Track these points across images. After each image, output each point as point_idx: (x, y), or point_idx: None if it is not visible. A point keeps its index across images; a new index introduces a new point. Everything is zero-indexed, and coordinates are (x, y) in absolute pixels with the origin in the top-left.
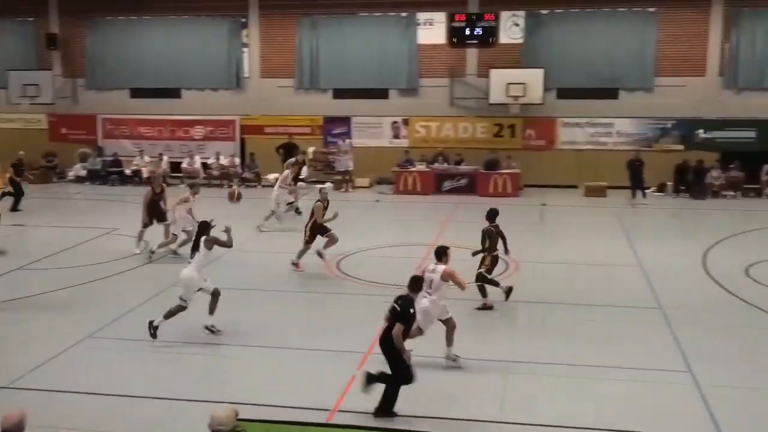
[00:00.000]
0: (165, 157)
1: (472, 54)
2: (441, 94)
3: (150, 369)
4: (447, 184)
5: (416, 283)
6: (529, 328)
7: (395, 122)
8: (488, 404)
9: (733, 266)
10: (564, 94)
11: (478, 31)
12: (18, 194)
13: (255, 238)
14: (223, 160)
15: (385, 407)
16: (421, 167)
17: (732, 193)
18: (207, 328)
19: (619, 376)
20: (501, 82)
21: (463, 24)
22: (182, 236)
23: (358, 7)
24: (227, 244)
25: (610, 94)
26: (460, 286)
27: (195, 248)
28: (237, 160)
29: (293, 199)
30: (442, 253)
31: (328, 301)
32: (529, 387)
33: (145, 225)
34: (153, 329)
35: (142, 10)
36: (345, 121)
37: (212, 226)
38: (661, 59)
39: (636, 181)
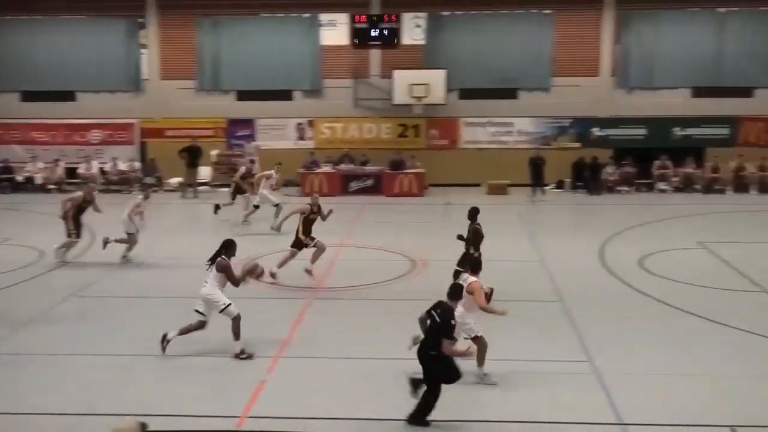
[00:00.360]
0: (61, 163)
1: (375, 55)
2: (345, 95)
3: (41, 382)
4: (353, 185)
5: (455, 291)
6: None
7: (300, 124)
8: (398, 407)
9: (628, 258)
10: (466, 94)
11: (381, 32)
12: None
13: (161, 243)
14: (122, 165)
15: (420, 415)
16: (327, 168)
17: (626, 188)
18: (237, 354)
19: (522, 368)
20: (404, 82)
21: (365, 25)
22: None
23: (259, 7)
24: (234, 280)
25: (510, 94)
26: (479, 304)
27: (212, 261)
28: (137, 165)
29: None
30: (478, 264)
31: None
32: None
33: (70, 235)
34: (240, 356)
35: (33, 9)
36: (249, 123)
37: (234, 247)
38: (558, 60)
39: (537, 179)
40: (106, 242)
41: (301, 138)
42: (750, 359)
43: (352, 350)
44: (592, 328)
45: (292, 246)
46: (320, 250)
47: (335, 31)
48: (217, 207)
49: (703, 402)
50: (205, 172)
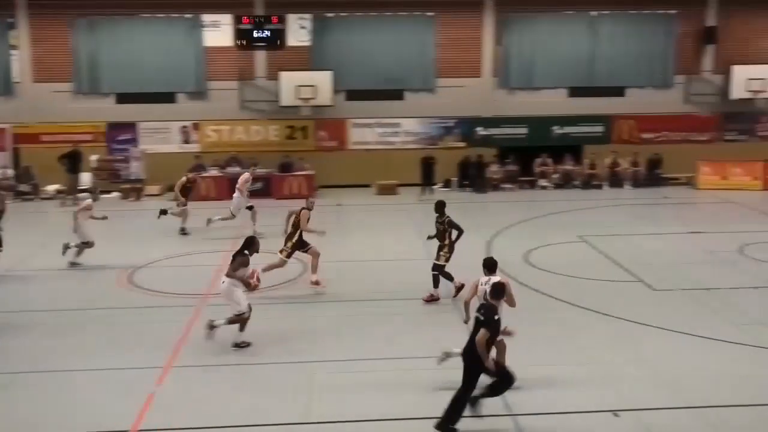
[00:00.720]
0: None
1: (261, 56)
2: (231, 98)
3: None
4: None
5: (498, 291)
6: (328, 327)
7: (184, 127)
8: (292, 410)
9: (514, 254)
10: (353, 95)
11: (266, 33)
12: None
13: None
14: None
15: (451, 417)
16: (214, 172)
17: (510, 185)
18: (237, 344)
19: (421, 365)
20: (291, 84)
21: (250, 26)
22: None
23: (138, 8)
24: (247, 283)
25: (396, 95)
26: (512, 302)
27: (233, 258)
28: (10, 172)
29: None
30: (494, 264)
31: (118, 317)
32: (335, 385)
33: None
34: (211, 327)
35: None
36: (130, 126)
37: (257, 244)
38: (441, 61)
39: (427, 178)
40: (66, 247)
41: (186, 141)
42: (628, 345)
43: (242, 357)
44: None
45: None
46: (316, 256)
47: (219, 32)
48: (163, 212)
49: (587, 389)
50: (86, 179)
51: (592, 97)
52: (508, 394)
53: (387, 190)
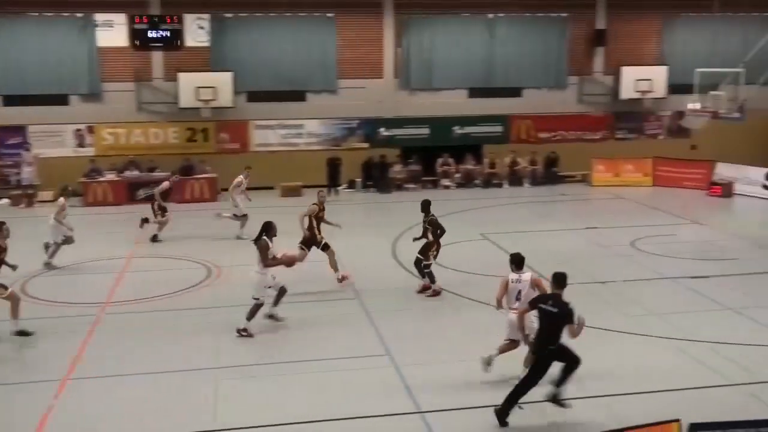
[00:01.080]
0: None
1: (158, 57)
2: (128, 99)
3: None
4: (141, 192)
5: (561, 280)
6: (232, 333)
7: (79, 130)
8: (200, 415)
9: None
10: (254, 97)
11: (163, 33)
12: None
13: None
14: None
15: (512, 403)
16: (111, 176)
17: (413, 185)
18: (270, 316)
19: (328, 367)
20: (190, 85)
21: (145, 26)
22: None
23: (26, 6)
24: (266, 262)
25: (298, 96)
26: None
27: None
28: None
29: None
30: (522, 261)
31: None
32: (242, 391)
33: None
34: (242, 332)
35: None
36: (20, 130)
37: (274, 228)
38: (343, 62)
39: (332, 179)
40: (47, 246)
41: (81, 145)
42: None
43: (145, 365)
44: (389, 322)
45: (303, 244)
46: (332, 251)
47: (113, 32)
48: (144, 221)
49: (494, 384)
50: None
51: (490, 98)
52: (418, 393)
53: (291, 192)
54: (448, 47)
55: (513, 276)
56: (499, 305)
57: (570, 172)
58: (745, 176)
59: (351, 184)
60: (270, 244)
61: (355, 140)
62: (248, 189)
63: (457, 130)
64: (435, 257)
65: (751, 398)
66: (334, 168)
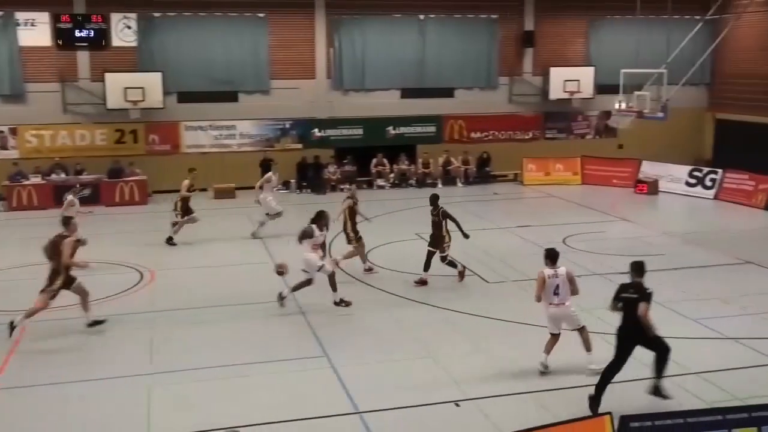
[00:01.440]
0: None
1: (83, 57)
2: (53, 100)
3: None
4: (68, 196)
5: (640, 268)
6: (171, 336)
7: (1, 132)
8: (133, 425)
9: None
10: (185, 97)
11: (88, 33)
12: None
13: None
14: None
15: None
16: (36, 180)
17: (348, 186)
18: (337, 303)
19: (265, 370)
20: (118, 86)
21: (69, 25)
22: None
23: None
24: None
25: (230, 97)
26: (576, 290)
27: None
28: None
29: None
30: (557, 255)
31: None
32: (174, 397)
33: None
34: (281, 298)
35: None
36: None
37: (326, 218)
38: (275, 63)
39: None
40: None
41: (4, 147)
42: (466, 337)
43: (75, 373)
44: (326, 323)
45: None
46: (363, 246)
47: (35, 31)
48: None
49: (429, 382)
50: None
51: (423, 98)
52: (356, 394)
53: (225, 194)
54: (380, 48)
55: (549, 271)
56: (539, 301)
57: (502, 171)
58: (669, 174)
59: (285, 185)
60: (315, 232)
61: (289, 141)
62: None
63: (391, 130)
64: (449, 246)
65: (679, 389)
66: (267, 169)
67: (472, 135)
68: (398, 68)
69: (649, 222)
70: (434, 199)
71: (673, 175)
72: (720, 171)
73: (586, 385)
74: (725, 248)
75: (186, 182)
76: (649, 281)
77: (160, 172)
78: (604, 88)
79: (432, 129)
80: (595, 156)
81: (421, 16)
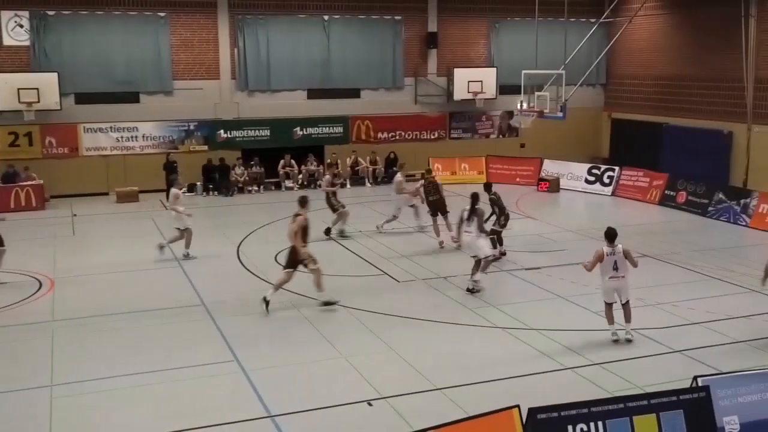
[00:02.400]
0: None
1: None
2: None
3: None
4: None
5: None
6: (73, 346)
7: None
8: None
9: (263, 255)
10: (83, 98)
11: None
12: None
13: None
14: None
15: None
16: None
17: (255, 188)
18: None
19: (174, 376)
20: (10, 87)
21: None
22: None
23: None
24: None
25: (132, 98)
26: (634, 263)
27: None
28: None
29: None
30: (615, 235)
31: None
32: (78, 407)
33: None
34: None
35: None
36: None
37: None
38: (177, 63)
39: (170, 185)
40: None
41: None
42: (379, 336)
43: None
44: (236, 327)
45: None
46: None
47: None
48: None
49: (342, 382)
50: None
51: (329, 99)
52: (267, 397)
53: (128, 197)
54: (285, 48)
55: (607, 249)
56: (589, 271)
57: (409, 171)
58: (569, 172)
59: (191, 188)
60: (483, 211)
61: (194, 143)
62: (80, 195)
63: (298, 131)
64: (503, 225)
65: (583, 380)
66: (170, 171)
67: (379, 135)
68: (304, 69)
69: (552, 218)
70: (489, 186)
71: (573, 173)
72: (617, 168)
73: (496, 380)
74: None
75: (327, 177)
76: (550, 276)
77: (58, 176)
78: (506, 88)
79: (339, 129)
80: (499, 155)
81: (326, 17)
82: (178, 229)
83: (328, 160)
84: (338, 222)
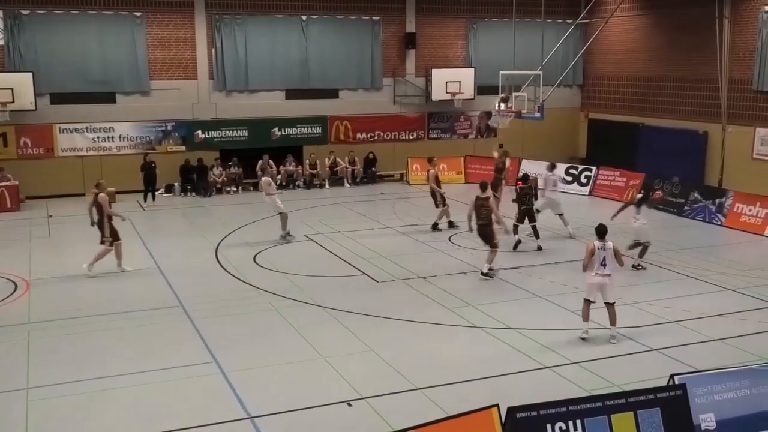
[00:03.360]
0: None
1: None
2: None
3: None
4: None
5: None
6: (50, 348)
7: None
8: None
9: (242, 256)
10: (59, 99)
11: None
12: None
13: None
14: None
15: None
16: None
17: (234, 188)
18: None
19: (153, 378)
20: None
21: None
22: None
23: None
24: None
25: (108, 98)
26: (621, 262)
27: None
28: None
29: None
30: (605, 232)
31: None
32: (54, 410)
33: None
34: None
35: None
36: None
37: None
38: (154, 63)
39: (149, 184)
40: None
41: None
42: (358, 337)
43: None
44: (214, 328)
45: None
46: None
47: None
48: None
49: (321, 383)
50: None
51: (308, 99)
52: (247, 398)
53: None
54: (263, 48)
55: (598, 244)
56: (585, 270)
57: (388, 171)
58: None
59: (169, 189)
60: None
61: (171, 143)
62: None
63: (277, 131)
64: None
65: (562, 379)
66: (148, 172)
67: (358, 136)
68: (282, 69)
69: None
70: (526, 178)
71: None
72: (594, 168)
73: (475, 379)
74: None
75: (432, 171)
76: (530, 276)
77: (33, 176)
78: (485, 89)
79: (318, 130)
80: (478, 155)
81: (304, 17)
82: (279, 213)
83: (432, 156)
84: (443, 216)
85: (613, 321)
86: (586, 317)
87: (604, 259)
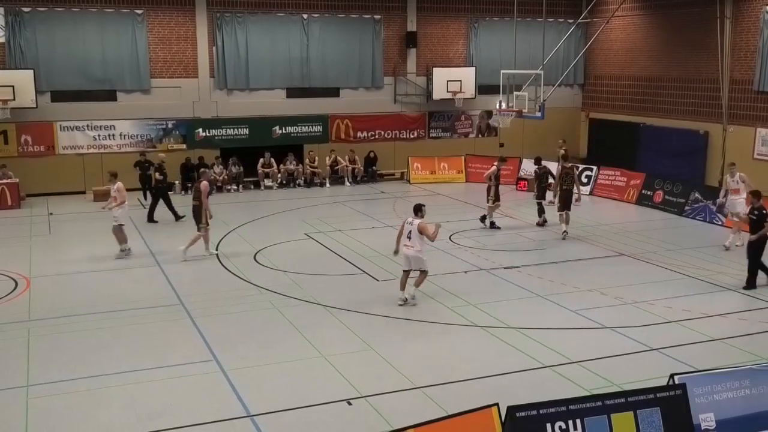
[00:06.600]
0: None
1: None
2: None
3: None
4: None
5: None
6: (50, 346)
7: None
8: None
9: (243, 254)
10: (59, 96)
11: None
12: None
13: None
14: None
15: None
16: None
17: (234, 187)
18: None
19: (153, 376)
20: None
21: None
22: None
23: None
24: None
25: (109, 96)
26: (430, 238)
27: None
28: None
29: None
30: (418, 209)
31: None
32: (54, 408)
33: None
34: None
35: None
36: None
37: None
38: (155, 61)
39: (145, 182)
40: None
41: None
42: (358, 335)
43: None
44: (214, 326)
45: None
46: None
47: None
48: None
49: (320, 382)
50: None
51: (309, 98)
52: (247, 396)
53: (104, 197)
54: (264, 47)
55: (409, 219)
56: (397, 244)
57: (389, 170)
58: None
59: (169, 188)
60: None
61: (172, 141)
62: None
63: (277, 130)
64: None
65: (562, 378)
66: (144, 170)
67: (359, 134)
68: (283, 68)
69: (530, 218)
70: (539, 160)
71: (551, 173)
72: (595, 168)
73: (475, 378)
74: (601, 241)
75: (493, 168)
76: (530, 275)
77: (34, 174)
78: (485, 88)
79: (318, 128)
80: (478, 155)
81: (305, 16)
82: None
83: (501, 155)
84: (492, 212)
85: (417, 284)
86: (402, 286)
87: (410, 232)
